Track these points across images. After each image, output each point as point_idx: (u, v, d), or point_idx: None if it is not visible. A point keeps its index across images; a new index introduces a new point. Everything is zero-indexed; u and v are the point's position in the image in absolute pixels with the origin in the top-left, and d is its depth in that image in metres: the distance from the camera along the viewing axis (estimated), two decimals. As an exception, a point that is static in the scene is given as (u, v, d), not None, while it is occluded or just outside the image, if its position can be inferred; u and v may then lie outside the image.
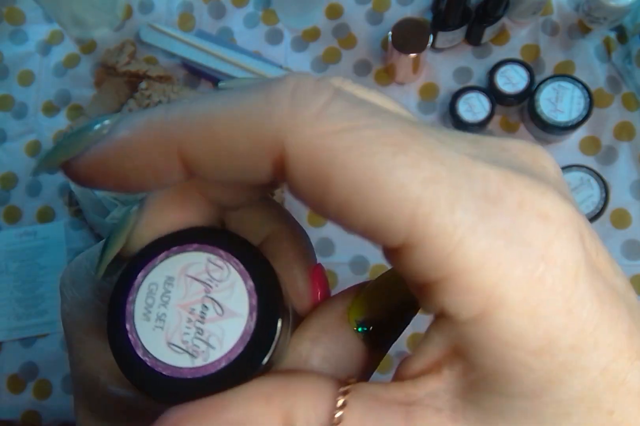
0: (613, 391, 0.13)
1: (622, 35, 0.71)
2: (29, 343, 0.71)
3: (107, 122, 0.15)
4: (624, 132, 0.70)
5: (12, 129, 0.76)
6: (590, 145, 0.70)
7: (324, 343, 0.17)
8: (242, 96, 0.13)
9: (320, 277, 0.19)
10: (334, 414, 0.14)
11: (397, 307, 0.18)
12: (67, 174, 0.15)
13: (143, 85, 0.71)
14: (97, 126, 0.15)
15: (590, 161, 0.70)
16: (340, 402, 0.14)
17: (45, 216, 0.74)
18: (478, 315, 0.12)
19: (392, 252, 0.13)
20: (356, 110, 0.13)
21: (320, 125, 0.12)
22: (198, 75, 0.76)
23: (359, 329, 0.18)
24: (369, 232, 0.13)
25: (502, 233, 0.12)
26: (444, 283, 0.13)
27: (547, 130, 0.67)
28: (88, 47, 0.78)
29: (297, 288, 0.19)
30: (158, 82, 0.72)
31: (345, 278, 0.69)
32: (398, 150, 0.12)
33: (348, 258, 0.70)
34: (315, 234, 0.69)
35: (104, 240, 0.17)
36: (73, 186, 0.69)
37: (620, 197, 0.68)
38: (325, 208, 0.13)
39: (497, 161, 0.14)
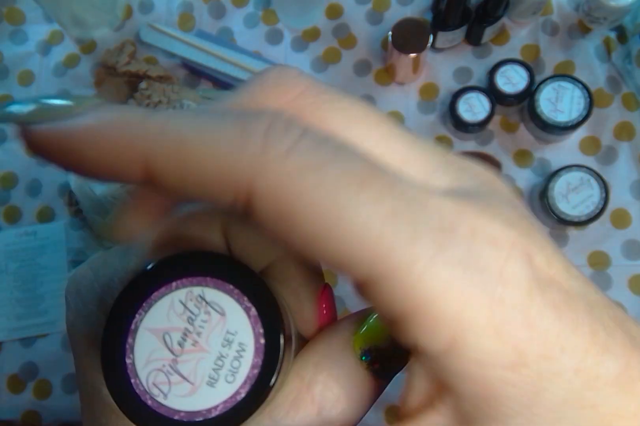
0: (590, 387, 0.14)
1: (622, 35, 0.71)
2: (29, 343, 0.71)
3: (65, 102, 0.15)
4: (624, 132, 0.70)
5: (12, 129, 0.76)
6: (590, 145, 0.70)
7: (327, 369, 0.17)
8: (219, 126, 0.13)
9: (327, 301, 0.19)
10: None
11: None
12: (22, 136, 0.15)
13: (143, 85, 0.71)
14: (64, 102, 0.15)
15: (590, 161, 0.70)
16: None
17: (45, 216, 0.74)
18: (449, 344, 0.13)
19: (360, 287, 0.14)
20: (322, 148, 0.13)
21: (288, 163, 0.13)
22: (198, 75, 0.76)
23: (363, 357, 0.18)
24: (334, 266, 0.14)
25: (459, 262, 0.13)
26: (411, 317, 0.13)
27: (547, 130, 0.67)
28: (88, 47, 0.78)
29: (303, 314, 0.19)
30: (158, 82, 0.72)
31: (345, 278, 0.69)
32: (361, 188, 0.13)
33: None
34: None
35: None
36: (73, 186, 0.69)
37: (620, 197, 0.68)
38: (290, 244, 0.13)
39: (459, 185, 0.15)
